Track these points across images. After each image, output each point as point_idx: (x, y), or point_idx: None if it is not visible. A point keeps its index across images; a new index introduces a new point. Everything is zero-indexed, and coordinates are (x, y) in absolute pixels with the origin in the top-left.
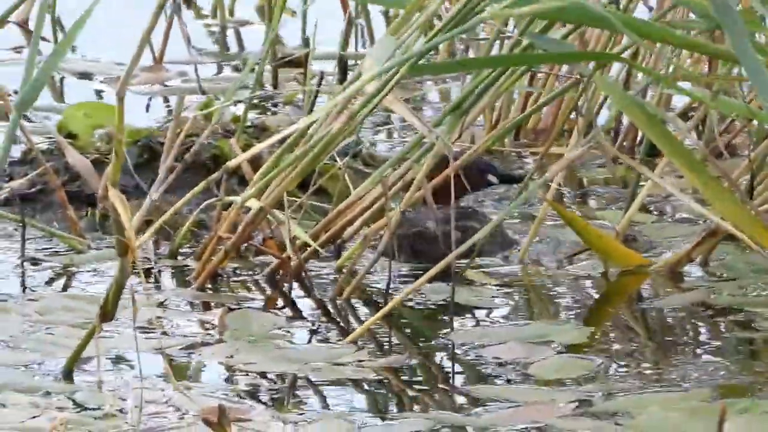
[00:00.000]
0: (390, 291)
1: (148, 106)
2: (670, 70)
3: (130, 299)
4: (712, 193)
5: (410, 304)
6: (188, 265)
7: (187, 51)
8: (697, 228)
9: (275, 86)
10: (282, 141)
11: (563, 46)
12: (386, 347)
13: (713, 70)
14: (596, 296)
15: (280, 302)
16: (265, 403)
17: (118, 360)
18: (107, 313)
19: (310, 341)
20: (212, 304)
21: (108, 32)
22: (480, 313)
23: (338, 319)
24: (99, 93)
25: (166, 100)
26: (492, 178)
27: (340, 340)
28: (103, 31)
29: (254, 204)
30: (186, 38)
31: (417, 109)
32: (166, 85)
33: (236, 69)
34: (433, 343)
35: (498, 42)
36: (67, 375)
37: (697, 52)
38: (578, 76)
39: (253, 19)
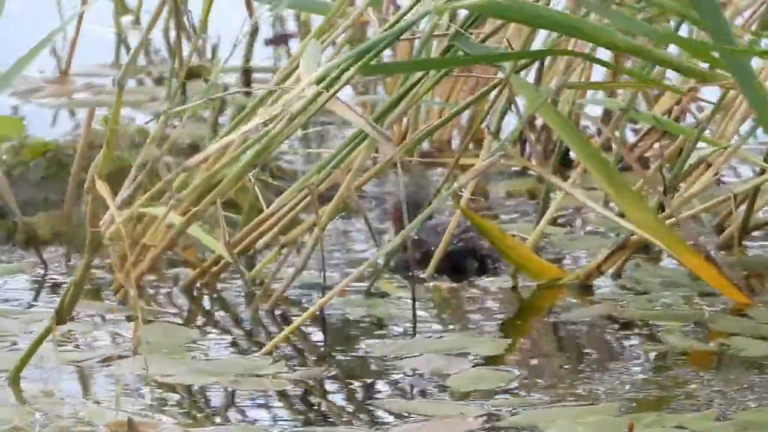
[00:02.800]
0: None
1: (54, 119)
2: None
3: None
4: (625, 201)
5: (329, 317)
6: (101, 278)
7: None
8: (607, 241)
9: (183, 99)
10: (191, 151)
11: (483, 48)
12: (304, 359)
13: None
14: (508, 310)
15: (195, 314)
16: (177, 416)
17: (30, 373)
18: (63, 314)
19: (226, 353)
20: (126, 317)
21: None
22: (397, 326)
23: (255, 331)
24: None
25: (72, 112)
26: None
27: (255, 351)
28: None
29: (176, 219)
30: None
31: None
32: (72, 98)
33: (140, 81)
34: (350, 355)
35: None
36: (15, 381)
37: (637, 56)
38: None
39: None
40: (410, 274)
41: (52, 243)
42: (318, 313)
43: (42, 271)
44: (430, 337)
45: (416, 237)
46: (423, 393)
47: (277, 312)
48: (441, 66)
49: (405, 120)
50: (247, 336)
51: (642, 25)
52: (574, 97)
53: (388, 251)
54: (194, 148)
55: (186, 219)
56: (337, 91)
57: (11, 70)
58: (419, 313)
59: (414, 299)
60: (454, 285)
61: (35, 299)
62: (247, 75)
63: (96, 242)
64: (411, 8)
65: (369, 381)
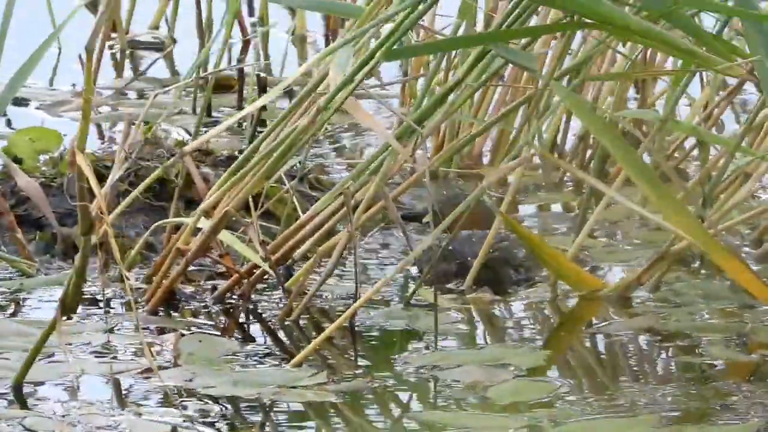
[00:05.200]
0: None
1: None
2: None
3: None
4: (667, 207)
5: (369, 328)
6: (139, 288)
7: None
8: (647, 253)
9: (209, 112)
10: (230, 163)
11: (524, 56)
12: (345, 371)
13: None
14: (547, 321)
15: (232, 325)
16: (219, 428)
17: (70, 384)
18: (68, 305)
19: (267, 364)
20: (163, 328)
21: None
22: (433, 337)
23: (295, 342)
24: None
25: (98, 126)
26: None
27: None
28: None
29: (206, 223)
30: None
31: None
32: (99, 112)
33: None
34: (390, 367)
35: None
36: (18, 392)
37: (654, 47)
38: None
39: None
40: (431, 284)
41: (91, 254)
42: (350, 323)
43: None
44: (470, 348)
45: (451, 248)
46: (463, 404)
47: (317, 322)
48: (464, 45)
49: (442, 130)
50: (287, 347)
51: None
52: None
53: (419, 258)
54: (232, 159)
55: (215, 222)
56: (360, 82)
57: (12, 81)
58: (460, 326)
59: (436, 312)
60: (493, 296)
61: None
62: (262, 84)
63: (86, 220)
64: None
65: (408, 393)
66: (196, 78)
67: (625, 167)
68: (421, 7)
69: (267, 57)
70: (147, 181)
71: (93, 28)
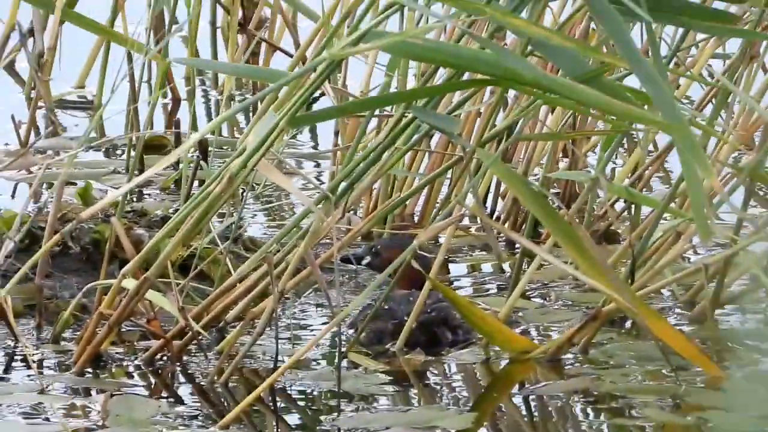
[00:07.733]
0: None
1: (14, 193)
2: None
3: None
4: (596, 274)
5: (297, 390)
6: (71, 350)
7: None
8: (579, 314)
9: (141, 171)
10: (164, 224)
11: (446, 120)
12: None
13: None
14: (479, 383)
15: (162, 387)
16: None
17: None
18: None
19: (193, 427)
20: (94, 390)
21: None
22: (363, 399)
23: (222, 404)
24: None
25: (31, 186)
26: None
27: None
28: None
29: (130, 284)
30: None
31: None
32: (30, 171)
33: (107, 153)
34: (319, 429)
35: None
36: None
37: (557, 104)
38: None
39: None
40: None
41: (24, 315)
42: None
43: (12, 344)
44: (399, 410)
45: (387, 307)
46: None
47: (245, 384)
48: (365, 108)
49: (375, 191)
50: (217, 408)
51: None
52: (546, 170)
53: (354, 317)
54: (165, 219)
55: (134, 289)
56: (267, 149)
57: None
58: (388, 387)
59: (339, 373)
60: (425, 357)
61: (6, 372)
62: (202, 146)
63: None
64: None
65: None
66: (128, 137)
67: (553, 233)
68: (319, 76)
69: (195, 117)
70: (45, 246)
71: None
